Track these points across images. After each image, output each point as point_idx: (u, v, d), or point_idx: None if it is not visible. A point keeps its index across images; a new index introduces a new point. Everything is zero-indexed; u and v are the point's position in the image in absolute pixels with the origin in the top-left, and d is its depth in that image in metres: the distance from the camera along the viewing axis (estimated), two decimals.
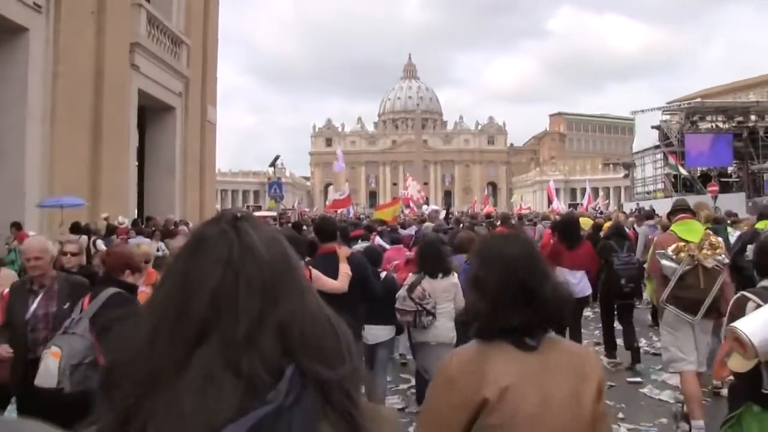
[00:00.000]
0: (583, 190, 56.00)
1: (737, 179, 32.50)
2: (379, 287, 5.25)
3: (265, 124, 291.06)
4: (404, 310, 5.03)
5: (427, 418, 1.74)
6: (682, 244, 4.67)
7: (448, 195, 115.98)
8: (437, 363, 4.46)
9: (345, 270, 4.71)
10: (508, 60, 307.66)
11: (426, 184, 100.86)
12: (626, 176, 42.15)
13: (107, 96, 12.98)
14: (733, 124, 32.30)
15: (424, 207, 46.83)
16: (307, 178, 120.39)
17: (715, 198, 23.97)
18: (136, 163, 16.20)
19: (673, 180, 32.30)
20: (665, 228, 8.37)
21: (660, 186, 34.63)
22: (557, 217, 22.98)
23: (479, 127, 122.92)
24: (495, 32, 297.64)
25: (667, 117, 33.82)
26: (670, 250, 4.64)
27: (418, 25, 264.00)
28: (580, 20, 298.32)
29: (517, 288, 1.70)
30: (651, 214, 14.66)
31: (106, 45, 12.92)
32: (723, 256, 4.59)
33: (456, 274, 5.24)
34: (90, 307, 3.47)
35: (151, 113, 17.54)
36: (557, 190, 70.00)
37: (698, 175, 32.27)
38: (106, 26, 12.83)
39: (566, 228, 7.70)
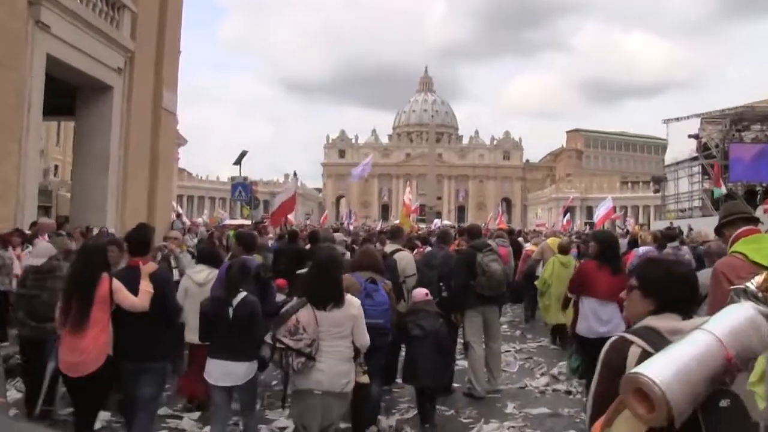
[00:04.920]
0: None
1: None
2: (179, 309, 4.82)
3: (282, 134, 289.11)
4: (268, 344, 3.91)
5: None
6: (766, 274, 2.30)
7: (461, 210, 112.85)
8: (328, 417, 4.06)
9: (145, 287, 4.32)
10: (528, 75, 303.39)
11: (439, 198, 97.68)
12: (656, 191, 38.12)
13: None
14: None
15: (436, 220, 43.93)
16: (319, 190, 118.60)
17: None
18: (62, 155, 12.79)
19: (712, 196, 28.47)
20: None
21: (697, 203, 30.84)
22: (561, 234, 19.22)
23: (495, 142, 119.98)
24: (517, 46, 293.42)
25: (705, 127, 30.17)
26: (753, 285, 2.22)
27: (439, 37, 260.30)
28: (605, 36, 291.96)
29: None
30: (674, 234, 11.66)
31: None
32: None
33: (357, 303, 4.09)
34: None
35: (82, 93, 14.14)
36: (573, 208, 66.01)
37: (744, 191, 28.38)
38: None
39: (609, 247, 6.11)
